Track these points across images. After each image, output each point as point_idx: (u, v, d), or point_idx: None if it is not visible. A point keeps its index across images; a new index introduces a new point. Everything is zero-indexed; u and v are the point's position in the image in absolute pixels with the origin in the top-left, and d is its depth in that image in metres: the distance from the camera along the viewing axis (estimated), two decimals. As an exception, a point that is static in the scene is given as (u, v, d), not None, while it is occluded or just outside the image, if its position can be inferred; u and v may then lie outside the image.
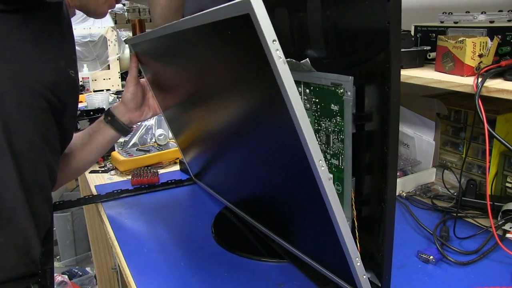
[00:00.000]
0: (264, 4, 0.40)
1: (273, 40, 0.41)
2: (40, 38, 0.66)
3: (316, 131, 0.60)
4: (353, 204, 0.57)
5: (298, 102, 0.43)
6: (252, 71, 0.49)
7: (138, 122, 0.97)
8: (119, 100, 1.53)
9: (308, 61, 0.55)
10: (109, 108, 0.93)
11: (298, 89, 0.61)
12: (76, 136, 0.89)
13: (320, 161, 0.46)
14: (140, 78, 0.93)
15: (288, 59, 0.58)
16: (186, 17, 0.56)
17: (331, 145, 0.58)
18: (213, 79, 0.64)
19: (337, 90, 0.53)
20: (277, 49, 0.41)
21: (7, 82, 0.60)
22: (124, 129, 0.92)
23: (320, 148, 0.60)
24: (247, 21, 0.41)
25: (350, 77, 0.51)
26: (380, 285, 0.57)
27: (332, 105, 0.55)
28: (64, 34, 0.72)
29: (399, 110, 0.49)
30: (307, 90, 0.59)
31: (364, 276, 0.54)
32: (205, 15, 0.49)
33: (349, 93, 0.52)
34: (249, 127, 0.61)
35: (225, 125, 0.69)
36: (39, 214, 0.65)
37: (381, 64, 0.48)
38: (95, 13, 0.79)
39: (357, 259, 0.53)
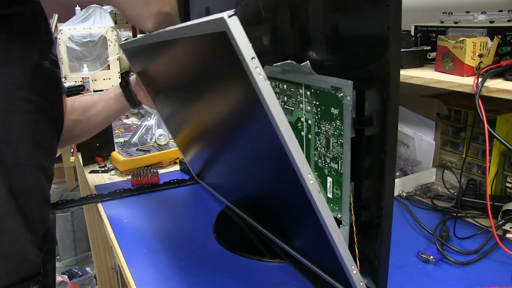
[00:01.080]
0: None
1: (252, 58, 0.40)
2: (5, 39, 0.63)
3: (317, 134, 0.60)
4: (352, 209, 0.57)
5: (282, 117, 0.43)
6: (236, 86, 0.49)
7: (141, 101, 0.98)
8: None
9: (309, 63, 0.55)
10: (128, 76, 0.96)
11: (299, 91, 0.61)
12: (89, 99, 0.94)
13: (309, 175, 0.45)
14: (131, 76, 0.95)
15: (289, 61, 0.58)
16: (167, 28, 0.55)
17: (331, 148, 0.58)
18: (201, 87, 0.63)
19: (337, 94, 0.53)
20: (257, 67, 0.40)
21: None
22: (133, 99, 0.95)
23: (320, 151, 0.60)
24: (224, 37, 0.40)
25: (350, 81, 0.51)
26: (376, 291, 0.57)
27: (332, 108, 0.55)
28: (32, 27, 0.68)
29: (398, 116, 0.49)
30: (308, 93, 0.59)
31: (361, 283, 0.54)
32: (184, 29, 0.49)
33: (348, 98, 0.51)
34: (240, 139, 0.61)
35: (220, 130, 0.69)
36: (34, 218, 0.64)
37: (380, 69, 0.48)
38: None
39: (352, 267, 0.53)
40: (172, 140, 1.25)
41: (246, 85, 0.42)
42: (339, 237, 0.50)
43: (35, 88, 0.65)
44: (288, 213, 0.63)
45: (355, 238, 0.57)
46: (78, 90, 1.51)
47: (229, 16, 0.38)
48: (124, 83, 0.94)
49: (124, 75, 1.00)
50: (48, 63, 0.70)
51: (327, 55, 0.57)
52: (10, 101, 0.61)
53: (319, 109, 0.58)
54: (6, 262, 0.60)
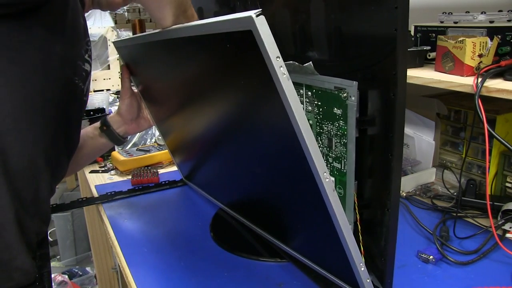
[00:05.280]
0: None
1: (277, 57, 0.41)
2: (44, 46, 0.60)
3: (318, 134, 0.60)
4: (356, 207, 0.57)
5: (303, 118, 0.43)
6: (253, 84, 0.49)
7: (134, 133, 0.96)
8: (119, 100, 1.51)
9: (312, 64, 0.55)
10: (106, 117, 0.92)
11: (299, 91, 0.60)
12: None
13: (325, 173, 0.46)
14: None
15: (291, 62, 0.58)
16: (183, 25, 0.55)
17: (333, 148, 0.58)
18: (209, 88, 0.63)
19: (340, 94, 0.53)
20: (281, 66, 0.41)
21: (3, 96, 0.56)
22: (119, 140, 0.92)
23: (322, 151, 0.60)
24: (249, 36, 0.40)
25: (355, 82, 0.51)
26: (381, 288, 0.58)
27: (335, 108, 0.55)
28: (72, 37, 0.66)
29: (404, 115, 0.49)
30: (309, 93, 0.59)
31: (368, 280, 0.54)
32: (205, 26, 0.49)
33: (353, 98, 0.52)
34: (247, 137, 0.61)
35: (223, 133, 0.68)
36: (31, 230, 0.63)
37: (387, 69, 0.48)
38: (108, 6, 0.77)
39: (361, 264, 0.53)
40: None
41: (265, 84, 0.43)
42: (350, 235, 0.51)
43: (60, 103, 0.64)
44: (291, 212, 0.63)
45: (360, 236, 0.57)
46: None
47: (257, 15, 0.39)
48: (105, 127, 0.90)
49: (103, 113, 0.95)
50: (78, 80, 0.68)
51: (329, 55, 0.57)
52: (33, 111, 0.60)
53: (320, 109, 0.58)
54: None
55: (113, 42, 0.91)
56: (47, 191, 0.66)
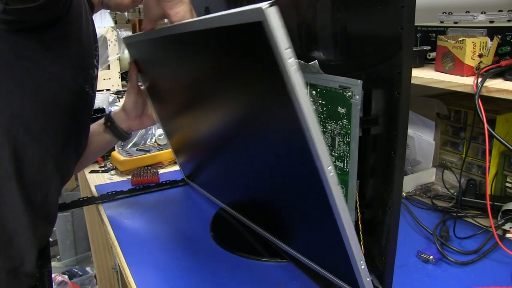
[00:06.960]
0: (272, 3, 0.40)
1: (286, 48, 0.40)
2: (58, 57, 0.62)
3: (321, 133, 0.60)
4: (358, 206, 0.57)
5: (311, 111, 0.43)
6: (261, 77, 0.49)
7: (137, 130, 0.97)
8: (119, 100, 1.51)
9: (317, 63, 0.55)
10: (109, 113, 0.93)
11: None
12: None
13: (329, 167, 0.46)
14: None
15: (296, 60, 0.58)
16: (194, 19, 0.55)
17: (336, 147, 0.58)
18: (216, 83, 0.63)
19: (344, 93, 0.53)
20: (291, 58, 0.41)
21: (17, 105, 0.58)
22: (123, 136, 0.92)
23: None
24: (259, 28, 0.40)
25: (359, 80, 0.51)
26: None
27: (339, 107, 0.55)
28: (85, 48, 0.67)
29: (408, 114, 0.49)
30: (314, 92, 0.59)
31: (368, 279, 0.54)
32: (215, 19, 0.49)
33: (357, 97, 0.52)
34: (252, 132, 0.61)
35: (227, 129, 0.68)
36: (41, 234, 0.63)
37: (392, 68, 0.48)
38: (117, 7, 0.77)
39: (361, 262, 0.53)
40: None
41: (274, 76, 0.43)
42: (352, 232, 0.51)
43: (71, 110, 0.65)
44: (292, 209, 0.63)
45: (361, 235, 0.57)
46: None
47: (269, 6, 0.39)
48: (109, 123, 0.91)
49: (103, 113, 0.95)
50: (88, 87, 0.69)
51: (334, 54, 0.57)
52: (46, 118, 0.61)
53: (324, 108, 0.58)
54: (7, 276, 0.60)
55: (123, 38, 0.91)
56: (56, 195, 0.66)
